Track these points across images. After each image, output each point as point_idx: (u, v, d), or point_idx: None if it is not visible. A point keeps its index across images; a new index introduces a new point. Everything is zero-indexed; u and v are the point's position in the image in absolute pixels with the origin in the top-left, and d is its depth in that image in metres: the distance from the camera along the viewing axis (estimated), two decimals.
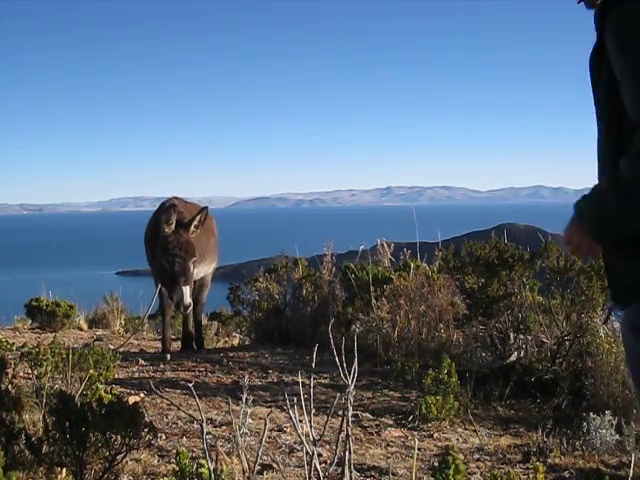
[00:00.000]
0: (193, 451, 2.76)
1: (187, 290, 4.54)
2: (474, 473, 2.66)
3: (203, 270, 5.44)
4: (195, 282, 5.39)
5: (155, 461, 2.62)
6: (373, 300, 4.97)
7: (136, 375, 4.22)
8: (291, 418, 1.73)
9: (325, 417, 2.58)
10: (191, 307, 4.64)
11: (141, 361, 4.60)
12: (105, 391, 2.39)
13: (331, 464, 1.78)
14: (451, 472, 1.51)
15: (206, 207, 4.74)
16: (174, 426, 3.13)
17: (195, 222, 4.65)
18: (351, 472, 1.74)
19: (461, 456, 1.62)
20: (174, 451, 2.68)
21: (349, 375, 1.85)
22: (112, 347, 5.29)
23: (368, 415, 3.44)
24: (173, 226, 4.62)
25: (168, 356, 4.78)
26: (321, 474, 1.75)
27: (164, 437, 2.93)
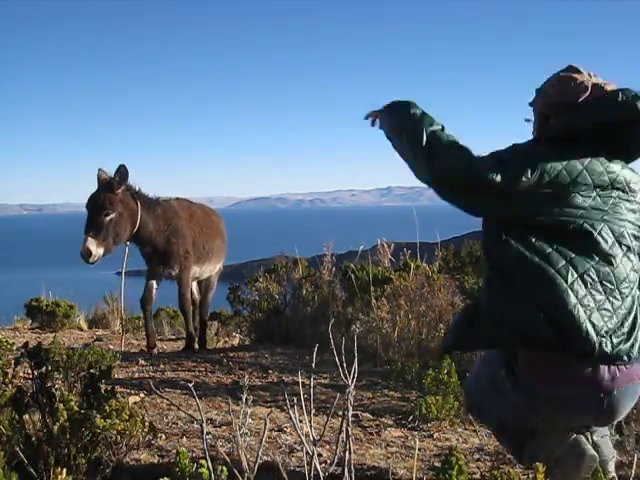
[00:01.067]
0: (193, 451, 2.76)
1: (92, 241, 4.56)
2: (474, 473, 2.66)
3: (208, 270, 5.46)
4: (201, 282, 5.41)
5: (155, 461, 2.62)
6: (373, 300, 4.98)
7: (136, 375, 4.22)
8: (291, 418, 1.73)
9: (325, 417, 2.58)
10: (94, 258, 4.61)
11: (141, 361, 4.61)
12: (105, 391, 2.40)
13: (331, 464, 1.78)
14: (454, 473, 1.51)
15: (123, 165, 4.80)
16: (174, 426, 3.13)
17: (117, 179, 4.73)
18: (351, 472, 1.74)
19: (461, 456, 1.62)
20: (174, 451, 2.68)
21: (349, 375, 1.85)
22: (112, 347, 5.30)
23: (368, 415, 3.44)
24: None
25: (155, 351, 4.83)
26: (321, 474, 1.75)
27: (164, 437, 2.93)
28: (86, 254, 4.55)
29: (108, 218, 4.64)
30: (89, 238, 4.57)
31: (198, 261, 5.22)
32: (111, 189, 4.70)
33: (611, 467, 2.34)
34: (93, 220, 4.61)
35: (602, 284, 2.04)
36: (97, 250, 4.58)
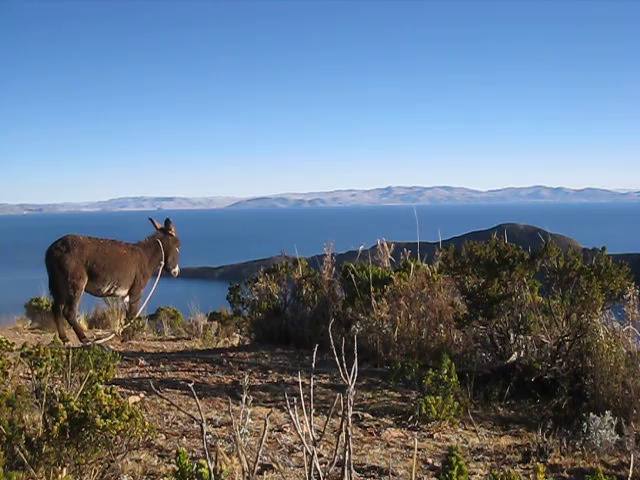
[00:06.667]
0: (193, 451, 2.76)
1: None
2: (474, 473, 2.66)
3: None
4: None
5: (155, 461, 2.62)
6: (373, 300, 4.97)
7: (136, 375, 4.22)
8: (291, 418, 1.73)
9: (325, 417, 2.58)
10: None
11: (141, 361, 4.60)
12: (105, 391, 2.39)
13: (331, 464, 1.78)
14: (454, 473, 1.51)
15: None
16: (174, 426, 3.12)
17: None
18: (351, 472, 1.74)
19: (461, 456, 1.62)
20: (174, 451, 2.68)
21: (349, 375, 1.85)
22: (112, 347, 5.30)
23: (368, 415, 3.43)
24: None
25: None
26: (321, 474, 1.75)
27: (164, 437, 2.93)
28: None
29: None
30: None
31: None
32: None
33: None
34: None
35: None
36: None
